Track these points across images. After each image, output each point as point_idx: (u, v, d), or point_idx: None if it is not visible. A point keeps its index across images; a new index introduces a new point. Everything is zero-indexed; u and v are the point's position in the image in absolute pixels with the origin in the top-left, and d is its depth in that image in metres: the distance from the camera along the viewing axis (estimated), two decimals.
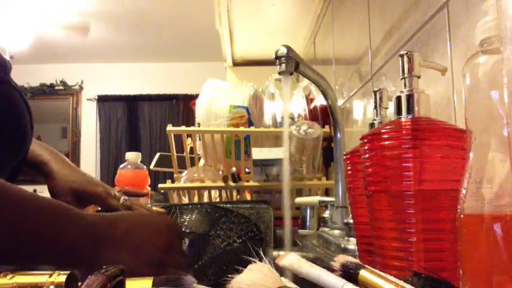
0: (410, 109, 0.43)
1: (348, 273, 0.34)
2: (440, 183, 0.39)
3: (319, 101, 1.43)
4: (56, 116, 5.22)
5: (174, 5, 3.78)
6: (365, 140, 0.45)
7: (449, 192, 0.38)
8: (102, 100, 5.28)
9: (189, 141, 1.49)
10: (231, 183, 1.23)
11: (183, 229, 0.70)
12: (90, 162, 5.15)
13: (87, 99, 5.30)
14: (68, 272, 0.35)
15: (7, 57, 0.55)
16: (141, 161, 1.26)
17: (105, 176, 5.03)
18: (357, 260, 0.35)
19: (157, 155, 1.82)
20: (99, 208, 0.76)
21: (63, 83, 5.23)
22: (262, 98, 1.54)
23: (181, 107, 5.26)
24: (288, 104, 1.42)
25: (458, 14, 0.61)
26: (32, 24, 3.87)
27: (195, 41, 4.54)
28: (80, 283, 0.33)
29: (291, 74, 0.83)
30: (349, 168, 0.58)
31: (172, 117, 5.24)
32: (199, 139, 1.42)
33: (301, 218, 1.20)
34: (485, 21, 0.33)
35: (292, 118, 1.45)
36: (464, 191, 0.33)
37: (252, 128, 1.34)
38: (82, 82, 5.26)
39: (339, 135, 0.96)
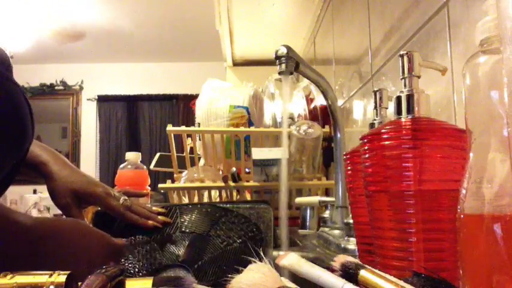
0: (410, 109, 0.43)
1: (348, 273, 0.34)
2: (441, 183, 0.39)
3: (319, 101, 1.43)
4: (56, 116, 5.22)
5: (174, 5, 3.78)
6: (365, 140, 0.45)
7: (450, 192, 0.38)
8: (102, 100, 5.28)
9: (189, 141, 1.49)
10: (231, 183, 1.23)
11: (183, 229, 0.70)
12: (90, 162, 5.15)
13: (87, 99, 5.30)
14: (68, 272, 0.35)
15: None
16: (141, 161, 1.26)
17: (105, 176, 5.02)
18: (357, 260, 0.35)
19: (157, 155, 1.82)
20: (99, 208, 0.76)
21: (63, 83, 5.24)
22: (262, 98, 1.54)
23: (181, 107, 5.26)
24: (287, 104, 1.42)
25: (458, 14, 0.61)
26: (32, 24, 3.87)
27: (195, 41, 4.54)
28: (79, 283, 0.33)
29: (291, 74, 0.83)
30: (349, 168, 0.58)
31: (172, 117, 5.24)
32: (199, 139, 1.42)
33: (301, 218, 1.20)
34: (485, 21, 0.33)
35: (292, 118, 1.45)
36: (464, 191, 0.33)
37: (252, 128, 1.34)
38: (82, 82, 5.26)
39: (339, 135, 0.96)
